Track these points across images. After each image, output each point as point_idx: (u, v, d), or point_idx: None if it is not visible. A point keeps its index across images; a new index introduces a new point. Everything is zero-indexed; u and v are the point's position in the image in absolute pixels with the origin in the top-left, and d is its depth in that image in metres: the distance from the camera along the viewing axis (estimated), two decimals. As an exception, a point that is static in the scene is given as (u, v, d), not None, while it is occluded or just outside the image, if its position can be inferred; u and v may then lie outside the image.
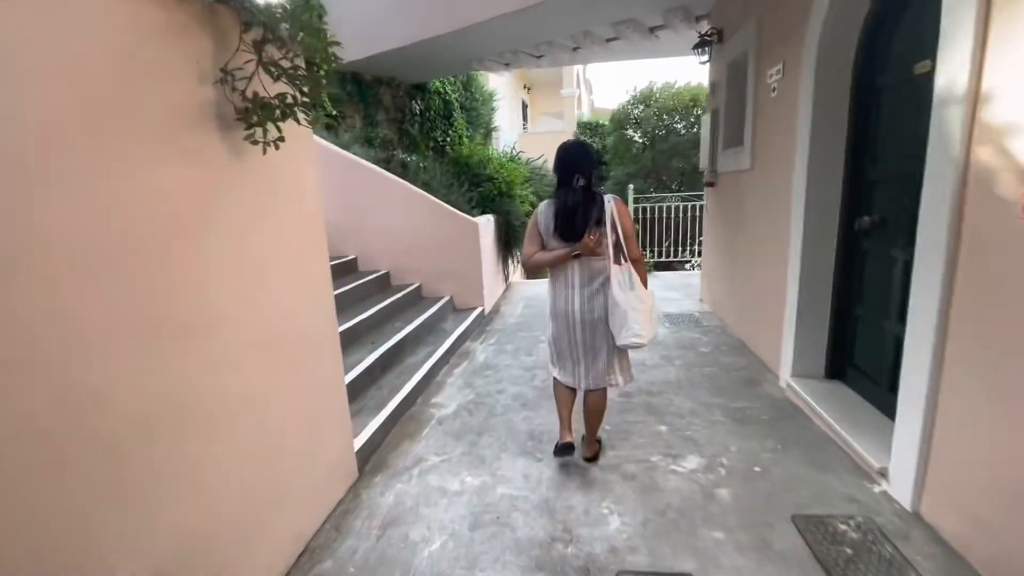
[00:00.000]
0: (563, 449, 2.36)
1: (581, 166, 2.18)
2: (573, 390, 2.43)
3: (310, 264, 2.13)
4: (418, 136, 7.31)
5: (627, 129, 11.73)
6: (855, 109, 2.72)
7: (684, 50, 6.41)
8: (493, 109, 10.30)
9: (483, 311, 5.35)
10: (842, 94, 2.74)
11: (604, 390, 2.38)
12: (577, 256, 2.19)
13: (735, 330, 4.30)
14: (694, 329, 4.53)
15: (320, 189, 2.19)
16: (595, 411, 2.42)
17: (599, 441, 2.59)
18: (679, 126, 10.76)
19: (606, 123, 14.47)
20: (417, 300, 5.06)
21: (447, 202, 5.39)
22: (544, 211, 2.25)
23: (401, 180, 5.06)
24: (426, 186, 5.47)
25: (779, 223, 3.29)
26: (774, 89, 3.33)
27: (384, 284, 5.01)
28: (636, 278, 2.17)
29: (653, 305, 2.17)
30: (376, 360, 3.49)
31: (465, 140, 7.55)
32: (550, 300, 2.34)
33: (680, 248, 8.11)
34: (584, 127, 14.60)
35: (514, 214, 6.40)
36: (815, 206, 2.87)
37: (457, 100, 8.06)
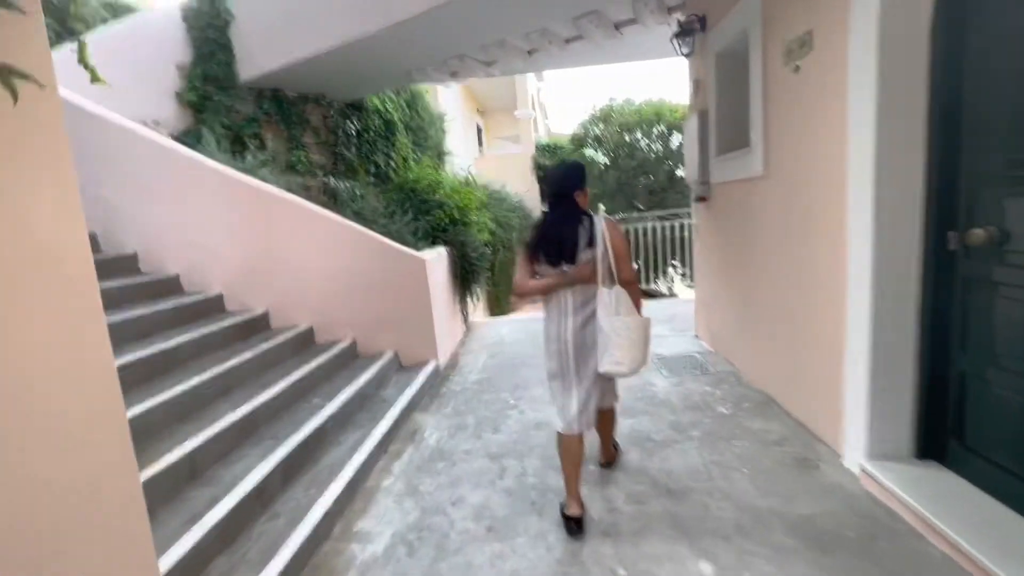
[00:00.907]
0: (571, 523, 2.09)
1: (564, 186, 2.08)
2: (581, 441, 2.13)
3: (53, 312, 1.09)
4: (355, 160, 6.32)
5: (588, 148, 11.11)
6: (941, 73, 1.91)
7: (651, 51, 5.73)
8: (443, 131, 9.45)
9: (437, 366, 4.32)
10: (918, 53, 1.93)
11: (607, 416, 2.42)
12: (571, 283, 2.07)
13: (755, 379, 3.42)
14: (701, 378, 3.63)
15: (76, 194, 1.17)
16: (607, 423, 2.46)
17: (615, 446, 2.64)
18: (643, 143, 10.20)
19: (565, 144, 13.89)
20: (349, 361, 3.98)
21: (387, 235, 4.39)
22: (531, 236, 2.14)
23: (325, 211, 4.03)
24: (358, 216, 4.46)
25: (819, 241, 2.45)
26: (797, 68, 2.53)
27: (304, 344, 3.91)
28: (626, 302, 2.01)
29: (646, 333, 2.02)
30: (277, 466, 2.41)
31: (412, 163, 6.61)
32: (544, 327, 2.19)
33: (657, 273, 7.34)
34: (543, 149, 13.97)
35: (470, 244, 5.45)
36: (887, 216, 2.03)
37: (401, 120, 7.15)
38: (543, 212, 2.18)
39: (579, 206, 2.07)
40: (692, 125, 4.04)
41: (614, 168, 10.78)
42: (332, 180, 5.55)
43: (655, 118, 9.73)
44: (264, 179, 4.10)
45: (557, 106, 36.56)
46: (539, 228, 2.11)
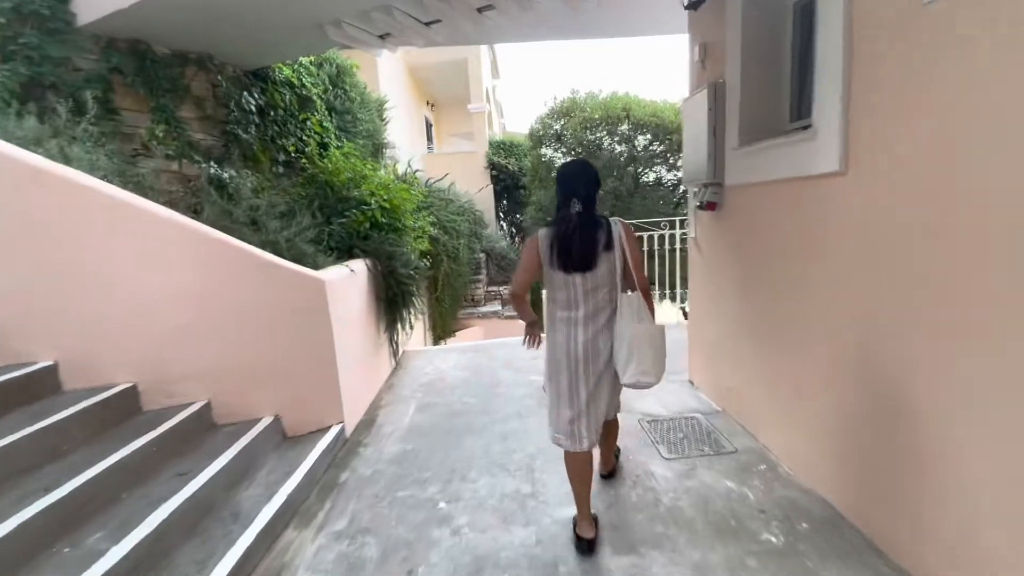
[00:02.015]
0: (583, 544, 1.98)
1: (577, 188, 1.90)
2: (591, 458, 2.03)
3: None
4: (256, 144, 4.90)
5: (548, 147, 10.05)
6: None
7: (633, 24, 4.67)
8: (384, 120, 8.10)
9: (342, 432, 3.04)
10: None
11: (610, 428, 2.28)
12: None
13: (800, 469, 2.37)
14: (716, 462, 2.54)
15: None
16: (610, 436, 2.37)
17: (617, 453, 2.57)
18: (608, 142, 9.23)
19: (522, 142, 12.81)
20: (196, 436, 2.63)
21: (270, 245, 3.08)
22: (544, 237, 1.94)
23: (165, 211, 2.67)
24: (227, 216, 3.12)
25: (959, 277, 1.39)
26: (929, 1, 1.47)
27: (120, 413, 2.53)
28: (644, 309, 1.89)
29: (663, 338, 1.92)
30: None
31: (335, 152, 5.24)
32: (548, 339, 2.04)
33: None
34: (497, 147, 12.83)
35: (400, 256, 4.19)
36: None
37: (321, 98, 5.77)
38: (557, 215, 1.94)
39: (592, 211, 1.91)
40: (698, 106, 2.98)
41: (576, 169, 9.79)
42: (217, 169, 4.14)
43: (622, 114, 8.78)
44: (81, 161, 2.69)
45: (514, 105, 35.50)
46: (556, 234, 1.90)
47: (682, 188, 8.84)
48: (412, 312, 4.47)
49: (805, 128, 2.11)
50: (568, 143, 9.58)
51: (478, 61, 12.23)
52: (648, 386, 1.89)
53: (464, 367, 4.50)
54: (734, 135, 2.68)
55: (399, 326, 4.41)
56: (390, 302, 4.21)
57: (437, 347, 5.40)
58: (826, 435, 2.12)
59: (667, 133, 8.57)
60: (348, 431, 3.15)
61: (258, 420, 2.81)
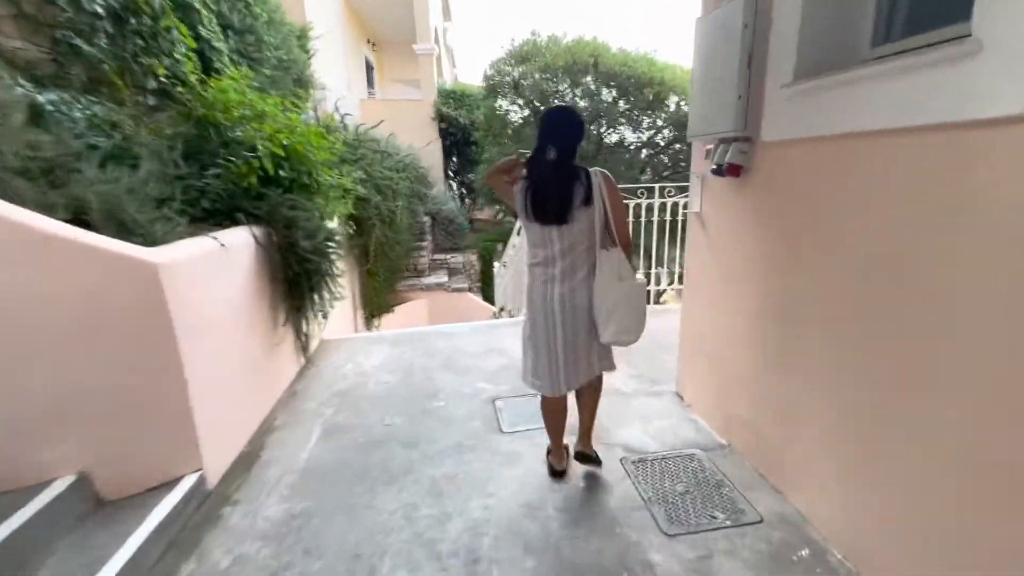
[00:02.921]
0: (555, 475, 2.18)
1: (554, 135, 1.80)
2: (564, 403, 2.10)
3: None
4: (107, 62, 3.56)
5: (503, 97, 8.91)
6: None
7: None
8: (307, 51, 6.67)
9: (200, 484, 2.07)
10: None
11: (593, 385, 2.14)
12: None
13: (866, 562, 1.64)
14: (737, 539, 1.78)
15: None
16: (588, 406, 2.18)
17: (596, 458, 2.23)
18: (572, 92, 8.19)
19: (475, 92, 11.53)
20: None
21: (74, 204, 1.98)
22: (520, 187, 1.88)
23: None
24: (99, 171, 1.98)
25: None
26: None
27: None
28: (625, 266, 1.85)
29: (643, 301, 1.89)
30: None
31: (222, 80, 3.95)
32: (527, 293, 2.01)
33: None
34: (447, 96, 11.48)
35: (304, 224, 3.12)
36: None
37: (208, 7, 4.39)
38: (533, 159, 1.86)
39: (570, 161, 1.81)
40: (721, 26, 2.08)
41: (531, 125, 8.73)
42: (31, 90, 2.86)
43: (589, 60, 7.72)
44: None
45: (468, 53, 33.12)
46: (531, 181, 1.84)
47: (676, 146, 8.02)
48: (326, 296, 3.44)
49: (943, 44, 1.25)
50: (526, 94, 8.47)
51: (425, -7, 10.69)
52: (627, 344, 1.90)
53: (394, 366, 3.56)
54: (786, 65, 1.80)
55: (310, 313, 3.39)
56: (293, 284, 3.17)
57: (365, 335, 4.43)
58: (935, 515, 1.38)
59: (639, 87, 7.65)
60: (212, 479, 2.18)
61: (48, 483, 1.79)
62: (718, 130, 2.19)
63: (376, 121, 7.08)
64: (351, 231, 5.29)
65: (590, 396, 2.16)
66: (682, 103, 7.95)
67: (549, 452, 2.22)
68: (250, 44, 4.96)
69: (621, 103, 7.86)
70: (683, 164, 8.94)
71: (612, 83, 7.75)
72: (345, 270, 5.08)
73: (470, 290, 8.70)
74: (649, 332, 2.03)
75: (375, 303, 6.18)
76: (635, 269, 1.91)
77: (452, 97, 11.53)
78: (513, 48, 8.57)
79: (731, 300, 2.32)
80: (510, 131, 9.47)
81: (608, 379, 2.84)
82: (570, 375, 1.97)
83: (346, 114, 6.00)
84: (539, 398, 2.12)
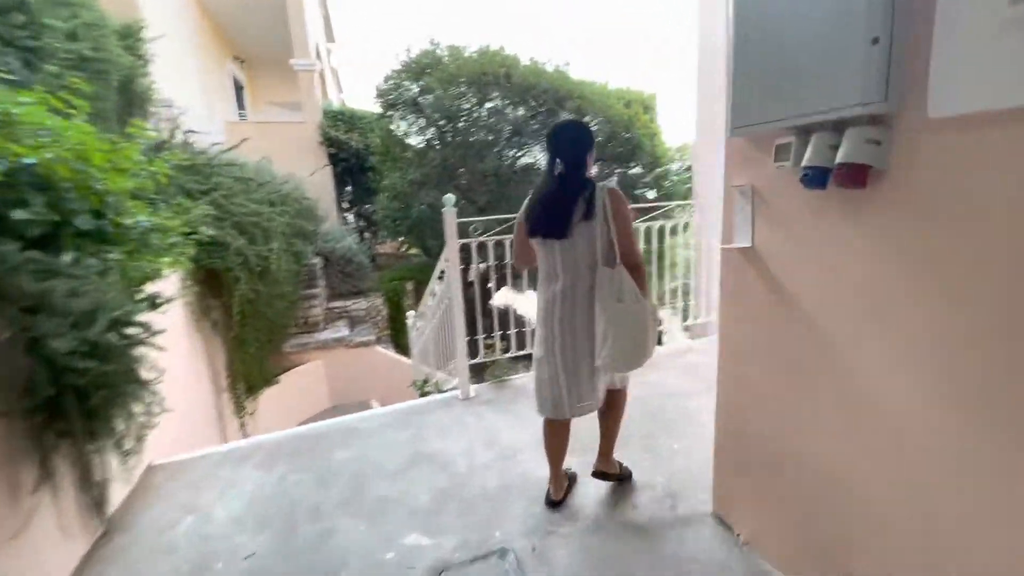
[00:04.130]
0: (552, 505, 2.07)
1: (575, 149, 1.80)
2: (565, 429, 1.99)
3: None
4: None
5: (402, 118, 7.78)
6: None
7: None
8: (139, 55, 5.03)
9: None
10: None
11: (614, 400, 2.04)
12: None
13: None
14: None
15: None
16: (609, 417, 2.08)
17: (620, 467, 2.19)
18: (479, 110, 7.27)
19: (367, 114, 10.27)
20: None
21: None
22: (526, 202, 1.91)
23: None
24: None
25: None
26: None
27: None
28: (629, 287, 1.74)
29: (651, 323, 1.78)
30: None
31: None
32: (536, 310, 1.95)
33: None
34: (335, 118, 10.07)
35: (66, 306, 1.71)
36: None
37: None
38: (544, 176, 1.87)
39: (584, 173, 1.80)
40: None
41: (442, 145, 7.68)
42: None
43: (500, 72, 6.83)
44: None
45: (356, 79, 31.37)
46: (532, 197, 1.88)
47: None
48: (133, 416, 2.02)
49: None
50: (428, 112, 7.41)
51: (300, 2, 9.32)
52: (621, 371, 1.87)
53: (264, 513, 2.21)
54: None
55: (95, 456, 1.94)
56: (52, 411, 1.74)
57: (224, 448, 2.93)
58: None
59: (558, 101, 6.91)
60: None
61: None
62: (809, 110, 1.26)
63: (248, 145, 5.59)
64: (200, 290, 3.78)
65: (607, 415, 2.08)
66: (595, 122, 7.38)
67: (548, 493, 2.11)
68: (17, 26, 3.38)
69: (538, 119, 7.11)
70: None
71: (527, 97, 6.97)
72: (194, 349, 3.57)
73: (378, 341, 7.29)
74: (641, 400, 2.02)
75: (248, 378, 4.62)
76: (644, 293, 1.77)
77: (341, 119, 10.14)
78: (409, 60, 7.50)
79: (840, 380, 1.38)
80: (411, 154, 8.32)
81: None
82: (572, 401, 1.89)
83: (191, 131, 4.48)
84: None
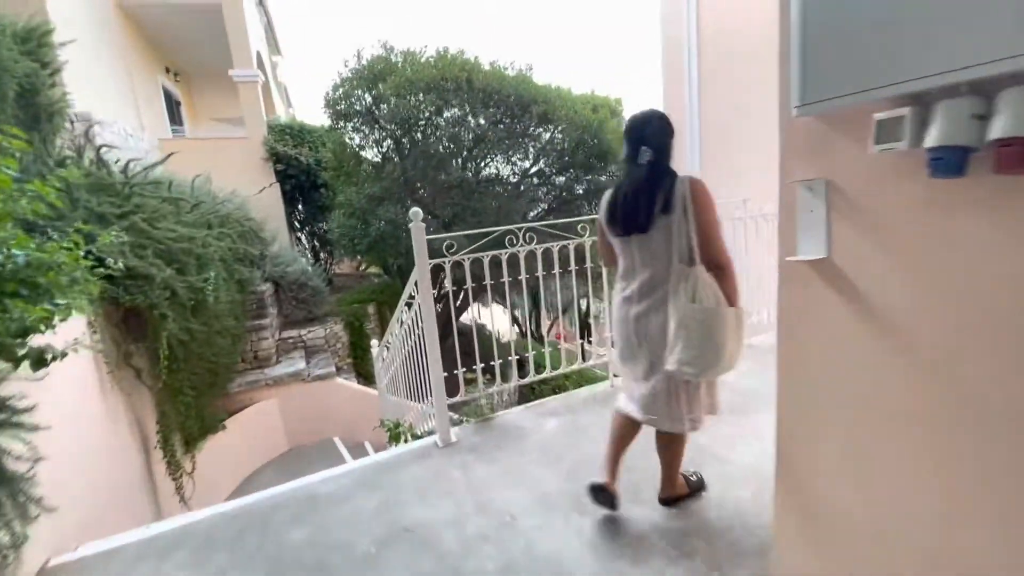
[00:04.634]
0: (595, 492, 1.89)
1: (650, 135, 1.69)
2: (631, 423, 1.88)
3: None
4: None
5: (356, 130, 7.25)
6: None
7: None
8: (42, 61, 4.33)
9: None
10: None
11: (670, 433, 1.82)
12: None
13: None
14: None
15: None
16: (662, 451, 1.91)
17: (690, 484, 2.00)
18: (438, 119, 6.82)
19: (316, 128, 9.66)
20: None
21: None
22: (603, 199, 1.83)
23: None
24: None
25: None
26: None
27: None
28: (709, 288, 1.59)
29: (733, 329, 1.60)
30: None
31: None
32: (613, 311, 1.90)
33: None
34: (282, 133, 9.40)
35: None
36: None
37: None
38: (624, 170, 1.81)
39: (664, 164, 1.69)
40: None
41: (399, 157, 7.19)
42: None
43: (462, 77, 6.39)
44: None
45: (305, 94, 30.22)
46: (613, 190, 1.79)
47: (561, 179, 6.86)
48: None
49: None
50: (385, 123, 6.91)
51: (239, 9, 8.67)
52: (692, 377, 1.65)
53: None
54: None
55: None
56: None
57: (148, 535, 2.30)
58: None
59: (523, 106, 6.55)
60: None
61: None
62: (937, 67, 0.90)
63: (183, 164, 4.94)
64: (117, 333, 3.15)
65: (660, 442, 1.90)
66: (557, 130, 7.06)
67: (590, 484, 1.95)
68: None
69: (501, 126, 6.73)
70: (572, 195, 8.09)
71: (490, 103, 6.58)
72: (109, 408, 2.94)
73: (339, 372, 6.67)
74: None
75: (186, 431, 3.96)
76: (732, 295, 1.64)
77: (289, 133, 9.48)
78: (360, 66, 6.99)
79: (967, 436, 1.00)
80: (367, 168, 7.79)
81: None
82: (641, 404, 1.80)
83: (106, 146, 3.84)
84: None
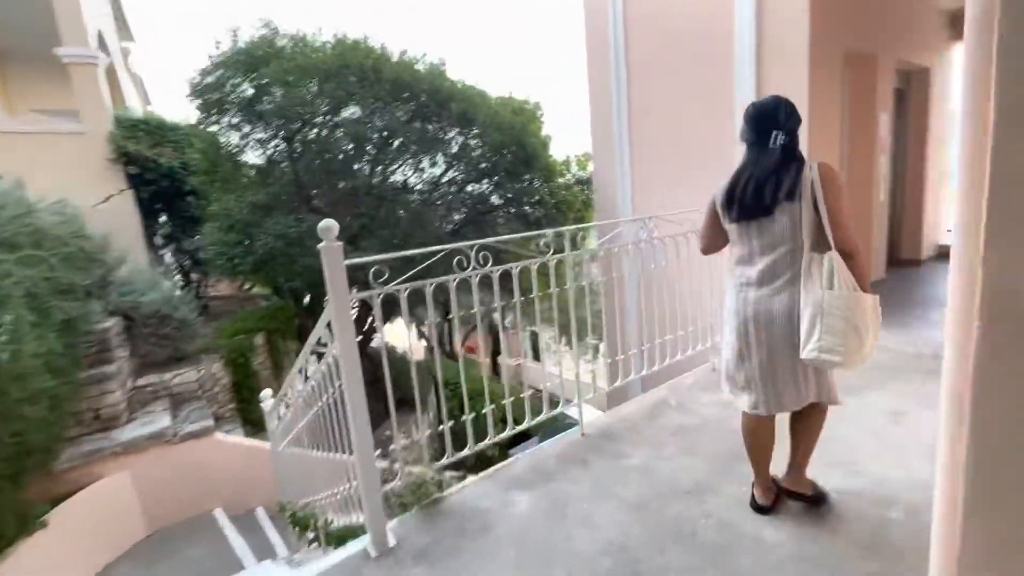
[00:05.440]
0: (759, 511, 1.89)
1: (782, 119, 1.68)
2: (767, 425, 1.83)
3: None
4: None
5: (234, 124, 5.99)
6: None
7: None
8: None
9: None
10: None
11: (815, 408, 1.80)
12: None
13: None
14: None
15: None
16: (804, 431, 1.85)
17: (821, 495, 1.91)
18: (342, 113, 5.81)
19: (179, 124, 8.08)
20: None
21: None
22: (723, 184, 1.80)
23: None
24: None
25: None
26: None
27: None
28: (844, 274, 1.57)
29: (872, 315, 1.57)
30: None
31: None
32: (727, 297, 1.88)
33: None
34: (134, 128, 7.67)
35: None
36: None
37: None
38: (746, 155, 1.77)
39: (795, 148, 1.70)
40: None
41: (290, 160, 6.05)
42: None
43: (367, 64, 5.41)
44: None
45: (165, 87, 26.11)
46: (735, 175, 1.75)
47: (471, 188, 6.05)
48: None
49: None
50: (272, 119, 5.75)
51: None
52: (832, 366, 1.61)
53: None
54: None
55: None
56: None
57: None
58: None
59: (440, 103, 5.75)
60: None
61: None
62: None
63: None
64: None
65: (802, 424, 1.85)
66: (472, 134, 6.41)
67: (753, 496, 1.93)
68: None
69: (415, 125, 5.89)
70: (488, 206, 7.45)
71: (401, 98, 5.71)
72: None
73: (220, 423, 5.37)
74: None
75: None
76: (864, 283, 1.60)
77: (144, 129, 7.78)
78: (237, 47, 5.75)
79: None
80: (251, 172, 6.53)
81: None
82: (769, 395, 1.76)
83: None
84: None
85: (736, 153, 4.41)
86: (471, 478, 2.42)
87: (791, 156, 1.67)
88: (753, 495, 1.92)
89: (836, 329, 1.54)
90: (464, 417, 2.41)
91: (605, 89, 5.40)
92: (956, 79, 6.34)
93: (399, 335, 11.79)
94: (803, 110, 3.86)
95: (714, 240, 1.92)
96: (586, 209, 7.65)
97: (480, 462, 2.65)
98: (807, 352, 1.59)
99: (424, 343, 16.97)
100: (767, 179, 1.65)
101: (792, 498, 1.91)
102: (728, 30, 4.22)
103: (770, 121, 1.68)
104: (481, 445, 2.45)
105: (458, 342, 17.70)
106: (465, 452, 2.41)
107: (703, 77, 4.51)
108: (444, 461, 2.33)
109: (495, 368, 16.74)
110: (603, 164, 5.72)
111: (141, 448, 4.48)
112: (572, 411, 2.93)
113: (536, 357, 18.77)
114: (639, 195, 5.39)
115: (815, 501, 1.90)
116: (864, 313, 1.56)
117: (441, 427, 2.37)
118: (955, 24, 5.95)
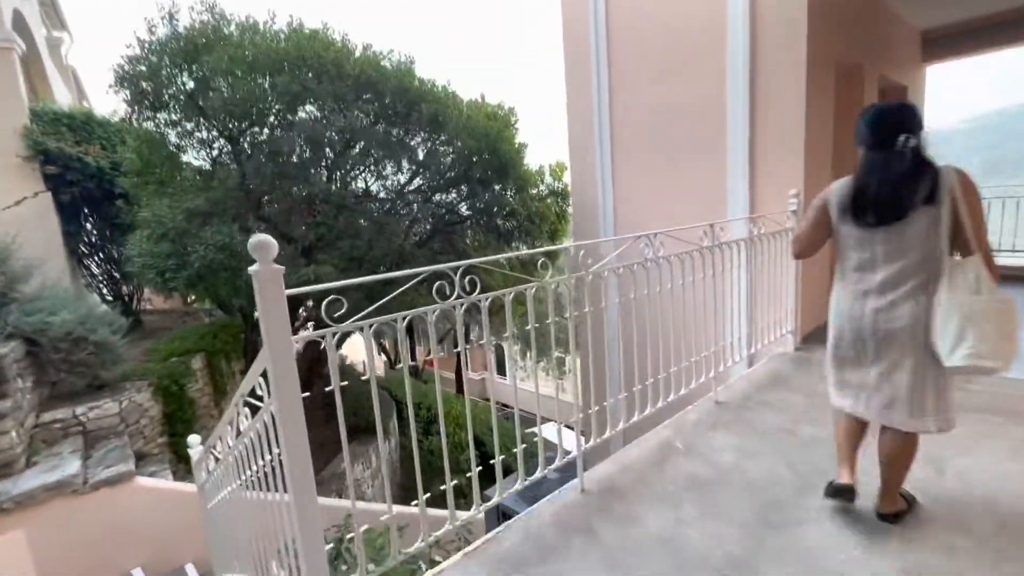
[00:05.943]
0: (836, 491, 1.84)
1: (910, 123, 1.62)
2: (861, 424, 1.86)
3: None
4: None
5: (176, 119, 5.30)
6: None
7: None
8: None
9: None
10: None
11: (906, 435, 1.72)
12: None
13: None
14: None
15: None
16: (892, 459, 1.78)
17: (905, 498, 1.88)
18: (297, 111, 5.22)
19: (107, 119, 7.26)
20: None
21: None
22: (839, 188, 1.77)
23: None
24: None
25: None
26: None
27: None
28: (987, 279, 1.54)
29: (1018, 317, 1.54)
30: None
31: None
32: (833, 298, 1.86)
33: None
34: (56, 122, 6.79)
35: None
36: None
37: None
38: (866, 159, 1.69)
39: (925, 152, 1.62)
40: None
41: (236, 162, 5.40)
42: None
43: (327, 57, 4.84)
44: None
45: (102, 82, 24.27)
46: (861, 176, 1.69)
47: (440, 197, 5.57)
48: None
49: None
50: (215, 114, 5.10)
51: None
52: (988, 372, 1.55)
53: None
54: None
55: None
56: None
57: None
58: None
59: (408, 103, 5.23)
60: None
61: None
62: None
63: None
64: None
65: (890, 456, 1.77)
66: (441, 139, 5.96)
67: (829, 484, 1.91)
68: None
69: (380, 127, 5.36)
70: (457, 216, 6.99)
71: (367, 98, 5.18)
72: None
73: (143, 463, 4.62)
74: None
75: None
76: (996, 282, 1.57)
77: (68, 124, 6.91)
78: (173, 32, 5.06)
79: None
80: (192, 175, 5.83)
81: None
82: (877, 402, 1.74)
83: None
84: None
85: (734, 164, 4.08)
86: (452, 559, 1.92)
87: (922, 160, 1.62)
88: (832, 482, 1.89)
89: (988, 334, 1.51)
90: (470, 472, 1.92)
91: (585, 99, 5.07)
92: (930, 99, 6.41)
93: (355, 347, 11.03)
94: (800, 122, 3.45)
95: (816, 244, 1.92)
96: (560, 222, 7.30)
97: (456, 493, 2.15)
98: (958, 359, 1.54)
99: (383, 357, 16.20)
100: (901, 183, 1.60)
101: (894, 521, 1.84)
102: (720, 39, 3.99)
103: (896, 124, 1.64)
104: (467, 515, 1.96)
105: (421, 358, 17.03)
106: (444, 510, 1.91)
107: (692, 88, 4.25)
108: (419, 543, 1.82)
109: (459, 385, 16.12)
110: (581, 175, 5.38)
111: (40, 501, 3.71)
112: (568, 443, 2.48)
113: (501, 371, 18.28)
114: (621, 208, 5.08)
115: (911, 508, 1.89)
116: (1013, 315, 1.56)
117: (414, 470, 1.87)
118: (927, 44, 5.99)
